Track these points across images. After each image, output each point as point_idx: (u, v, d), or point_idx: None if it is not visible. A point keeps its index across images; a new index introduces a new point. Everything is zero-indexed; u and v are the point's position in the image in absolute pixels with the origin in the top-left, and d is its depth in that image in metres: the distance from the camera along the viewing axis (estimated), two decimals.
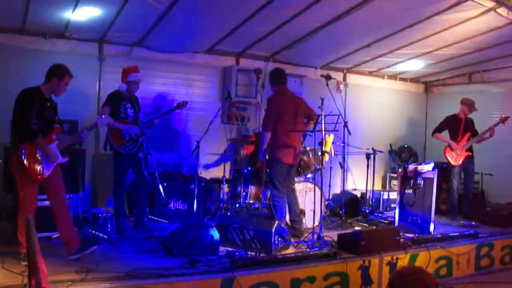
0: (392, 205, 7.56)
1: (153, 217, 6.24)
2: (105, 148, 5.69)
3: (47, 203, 4.67)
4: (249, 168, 6.41)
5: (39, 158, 4.22)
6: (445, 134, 7.38)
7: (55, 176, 4.37)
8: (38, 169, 4.20)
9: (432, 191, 5.88)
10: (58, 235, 4.61)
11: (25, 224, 3.89)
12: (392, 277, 2.42)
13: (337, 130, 6.54)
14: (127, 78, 5.59)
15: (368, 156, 7.34)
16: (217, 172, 7.40)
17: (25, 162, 4.11)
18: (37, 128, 4.23)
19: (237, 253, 4.59)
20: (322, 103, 5.48)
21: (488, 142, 7.16)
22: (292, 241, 5.17)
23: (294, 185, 5.85)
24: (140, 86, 5.77)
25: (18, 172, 4.21)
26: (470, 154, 7.16)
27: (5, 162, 5.46)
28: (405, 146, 8.95)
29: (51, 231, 4.94)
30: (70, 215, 4.56)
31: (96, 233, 5.29)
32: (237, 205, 6.36)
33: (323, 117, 5.47)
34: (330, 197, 7.39)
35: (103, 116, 4.79)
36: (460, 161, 7.11)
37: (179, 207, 6.32)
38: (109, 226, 5.64)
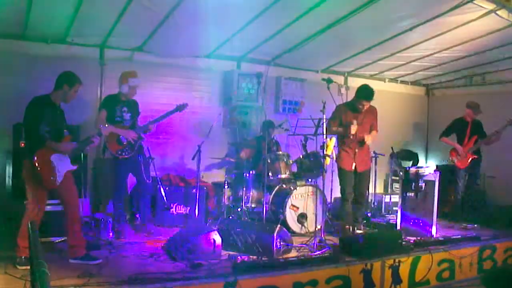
0: (394, 208, 7.55)
1: (155, 222, 6.24)
2: (104, 153, 5.73)
3: (49, 208, 4.68)
4: (251, 172, 6.41)
5: (52, 165, 4.25)
6: (453, 137, 7.33)
7: (66, 183, 4.40)
8: (51, 176, 4.23)
9: (434, 194, 5.87)
10: (65, 238, 4.65)
11: (28, 228, 3.90)
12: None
13: None
14: (127, 83, 5.61)
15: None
16: (218, 176, 7.40)
17: (38, 168, 4.14)
18: (49, 136, 4.25)
19: (239, 257, 4.59)
20: (323, 107, 5.49)
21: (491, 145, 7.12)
22: (294, 244, 5.17)
23: None
24: (140, 91, 5.78)
25: (29, 179, 4.23)
26: (476, 157, 7.12)
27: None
28: (407, 149, 8.93)
29: (53, 236, 4.98)
30: (79, 222, 4.60)
31: (98, 238, 5.30)
32: (239, 209, 6.35)
33: (324, 120, 5.48)
34: (332, 201, 7.38)
35: (106, 125, 4.86)
36: (466, 164, 7.09)
37: (181, 211, 6.32)
38: (110, 230, 5.64)
